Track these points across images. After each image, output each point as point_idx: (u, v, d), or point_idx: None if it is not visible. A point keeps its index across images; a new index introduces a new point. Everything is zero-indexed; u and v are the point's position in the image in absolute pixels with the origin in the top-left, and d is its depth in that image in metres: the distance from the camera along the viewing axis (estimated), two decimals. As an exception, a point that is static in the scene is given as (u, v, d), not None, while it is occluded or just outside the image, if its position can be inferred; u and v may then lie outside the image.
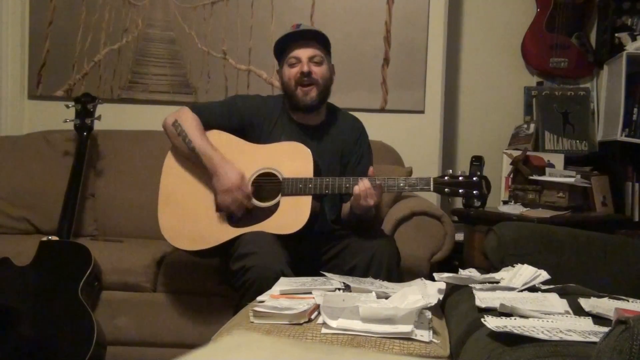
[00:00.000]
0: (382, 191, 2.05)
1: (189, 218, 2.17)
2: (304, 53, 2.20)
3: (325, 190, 2.08)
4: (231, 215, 2.13)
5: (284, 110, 2.29)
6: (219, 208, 2.15)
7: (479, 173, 2.04)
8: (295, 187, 2.09)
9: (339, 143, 2.30)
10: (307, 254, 2.14)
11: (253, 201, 2.13)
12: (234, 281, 1.98)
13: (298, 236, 2.06)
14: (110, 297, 2.34)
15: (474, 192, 2.02)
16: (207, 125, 2.23)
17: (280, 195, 2.10)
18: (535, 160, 2.98)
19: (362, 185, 2.02)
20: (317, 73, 2.21)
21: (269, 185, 2.15)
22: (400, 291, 1.53)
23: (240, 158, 2.17)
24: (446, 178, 2.03)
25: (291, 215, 2.07)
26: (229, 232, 2.10)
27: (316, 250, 2.17)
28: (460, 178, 2.02)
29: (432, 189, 2.03)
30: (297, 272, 1.95)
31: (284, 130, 2.24)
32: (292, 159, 2.14)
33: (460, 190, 2.02)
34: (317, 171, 2.14)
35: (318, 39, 2.24)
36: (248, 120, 2.25)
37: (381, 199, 2.08)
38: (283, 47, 2.25)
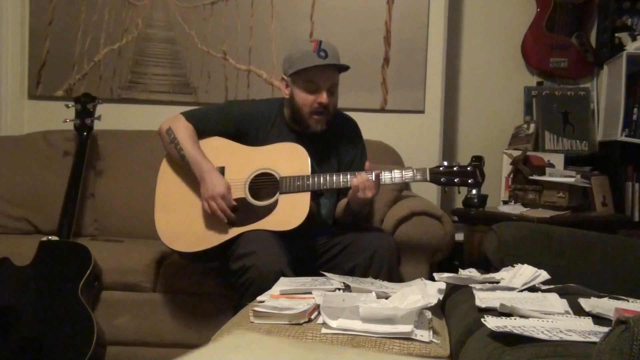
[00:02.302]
0: (379, 183, 2.06)
1: (188, 220, 2.18)
2: (325, 82, 2.15)
3: (323, 186, 2.10)
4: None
5: (279, 115, 2.29)
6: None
7: (473, 163, 2.09)
8: (293, 185, 2.10)
9: (335, 145, 2.31)
10: (307, 254, 2.14)
11: (251, 200, 2.14)
12: (233, 281, 1.98)
13: (298, 236, 2.06)
14: (110, 297, 2.34)
15: (469, 180, 2.08)
16: (203, 132, 2.25)
17: (278, 193, 2.11)
18: (535, 160, 2.98)
19: (360, 178, 2.04)
20: (331, 103, 2.19)
21: (266, 185, 2.16)
22: (400, 291, 1.53)
23: (238, 161, 2.19)
24: (441, 168, 2.09)
25: (290, 211, 2.08)
26: (229, 232, 2.10)
27: (316, 250, 2.17)
28: (455, 168, 2.09)
29: (428, 178, 2.08)
30: (297, 272, 1.96)
31: (280, 135, 2.25)
32: (289, 158, 2.16)
33: (455, 180, 2.08)
34: (313, 172, 2.14)
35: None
36: (244, 126, 2.26)
37: (379, 191, 2.09)
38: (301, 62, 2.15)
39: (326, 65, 2.12)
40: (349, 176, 2.10)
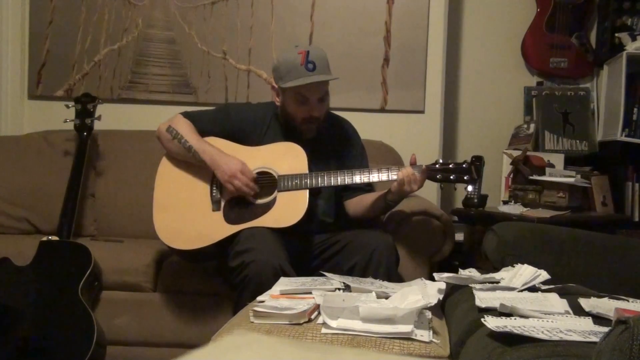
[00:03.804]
0: (425, 176, 2.07)
1: (186, 219, 2.18)
2: (314, 95, 2.15)
3: (321, 184, 2.11)
4: (228, 212, 2.15)
5: (274, 119, 2.30)
6: (219, 206, 2.16)
7: (470, 160, 2.09)
8: (291, 183, 2.11)
9: (332, 147, 2.31)
10: (306, 252, 2.15)
11: (250, 198, 2.14)
12: (232, 277, 1.99)
13: (296, 232, 2.07)
14: (110, 297, 2.34)
15: (465, 177, 2.09)
16: (199, 132, 2.26)
17: (276, 191, 2.12)
18: (535, 160, 2.98)
19: (406, 171, 2.05)
20: (322, 111, 2.20)
21: (265, 184, 2.17)
22: (400, 291, 1.53)
23: None
24: (437, 165, 2.11)
25: (288, 208, 2.09)
26: (227, 230, 2.11)
27: (315, 249, 2.18)
28: (451, 165, 2.10)
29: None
30: (297, 270, 1.96)
31: (275, 137, 2.26)
32: (287, 157, 2.17)
33: (451, 177, 2.09)
34: (310, 171, 2.15)
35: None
36: (239, 128, 2.27)
37: (423, 185, 2.09)
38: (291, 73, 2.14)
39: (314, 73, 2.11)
40: (345, 175, 2.11)
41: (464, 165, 2.09)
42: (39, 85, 3.22)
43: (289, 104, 2.19)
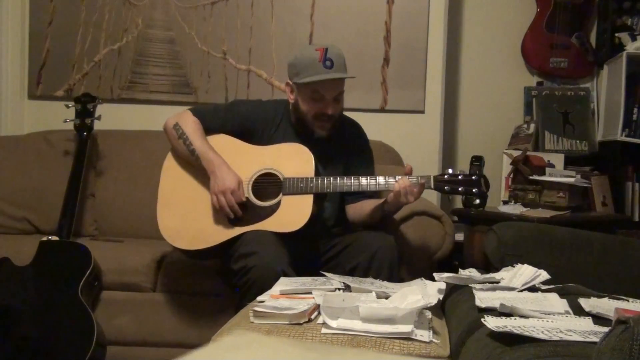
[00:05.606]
0: (423, 189, 2.04)
1: (190, 218, 2.18)
2: (330, 93, 2.13)
3: (327, 189, 2.09)
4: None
5: (285, 116, 2.28)
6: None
7: (478, 172, 2.06)
8: (296, 187, 2.09)
9: (341, 149, 2.29)
10: (308, 254, 2.14)
11: (254, 200, 2.13)
12: (235, 281, 1.98)
13: (299, 236, 2.06)
14: (110, 297, 2.34)
15: (474, 190, 2.05)
16: (208, 129, 2.24)
17: (281, 194, 2.11)
18: (535, 160, 2.98)
19: (402, 183, 2.01)
20: (337, 110, 2.18)
21: (270, 185, 2.15)
22: (400, 291, 1.53)
23: (242, 159, 2.18)
24: (446, 176, 2.06)
25: (292, 213, 2.07)
26: (230, 232, 2.10)
27: (317, 250, 2.17)
28: (460, 176, 2.05)
29: (432, 186, 2.05)
30: (298, 272, 1.96)
31: (285, 137, 2.24)
32: (293, 159, 2.14)
33: (460, 189, 2.05)
34: (317, 174, 2.14)
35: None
36: (249, 125, 2.25)
37: (420, 197, 2.06)
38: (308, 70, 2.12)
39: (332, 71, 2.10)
40: (352, 181, 2.09)
41: (473, 177, 2.04)
42: (39, 85, 3.23)
43: (303, 100, 2.16)
